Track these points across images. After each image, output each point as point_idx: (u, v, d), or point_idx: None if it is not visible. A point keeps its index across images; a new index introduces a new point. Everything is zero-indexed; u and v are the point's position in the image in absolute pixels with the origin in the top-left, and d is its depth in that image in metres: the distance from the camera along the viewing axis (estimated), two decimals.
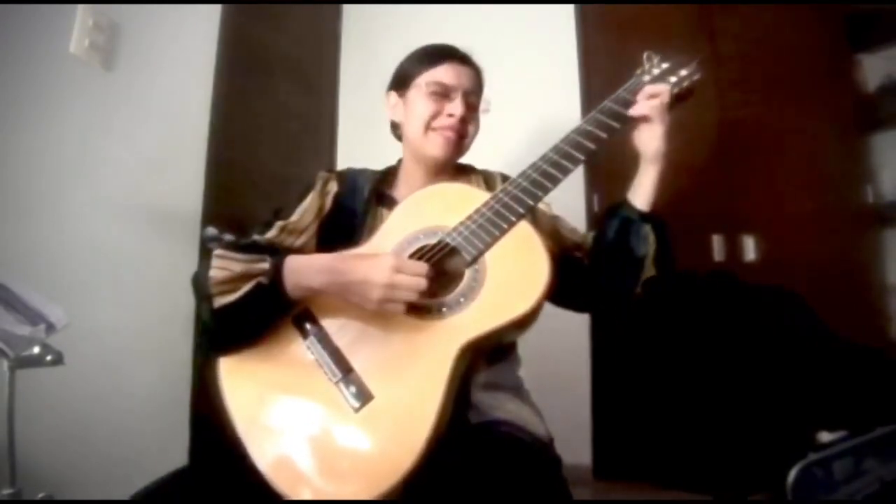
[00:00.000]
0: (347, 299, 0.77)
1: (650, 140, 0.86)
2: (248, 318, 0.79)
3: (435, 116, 0.94)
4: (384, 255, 0.77)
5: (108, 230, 1.39)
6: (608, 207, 0.93)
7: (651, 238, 0.86)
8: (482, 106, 1.00)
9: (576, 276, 0.87)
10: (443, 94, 0.95)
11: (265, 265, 0.79)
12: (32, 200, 1.23)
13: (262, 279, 0.78)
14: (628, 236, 0.87)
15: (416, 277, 0.74)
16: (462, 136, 0.96)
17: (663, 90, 0.86)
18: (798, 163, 1.69)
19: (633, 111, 0.87)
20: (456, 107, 0.94)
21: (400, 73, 1.01)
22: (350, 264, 0.77)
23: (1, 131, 1.18)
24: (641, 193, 0.88)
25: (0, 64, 1.19)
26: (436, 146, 0.95)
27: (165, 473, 0.75)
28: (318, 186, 0.97)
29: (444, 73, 0.96)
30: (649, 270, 0.87)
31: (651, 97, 0.86)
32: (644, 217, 0.86)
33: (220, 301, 0.78)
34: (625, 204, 0.89)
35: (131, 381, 1.40)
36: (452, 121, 0.94)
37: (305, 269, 0.79)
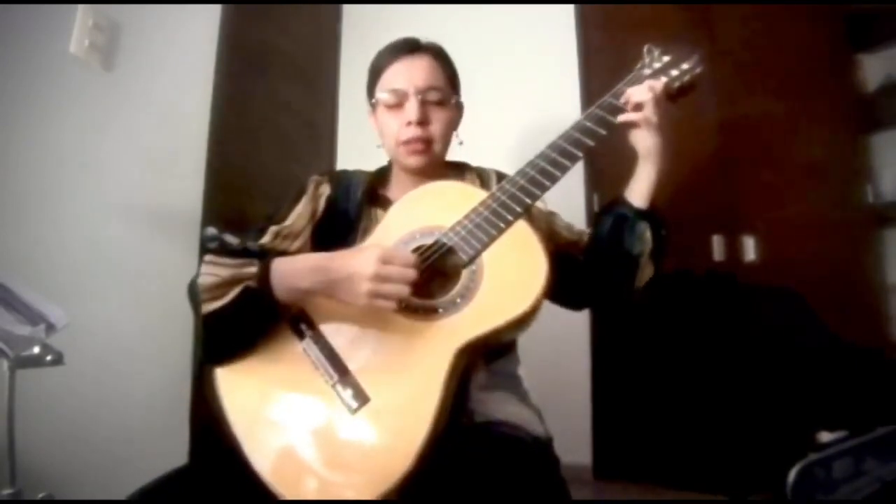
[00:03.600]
0: (337, 298, 0.75)
1: (644, 137, 0.85)
2: (237, 324, 0.78)
3: (399, 130, 0.92)
4: (371, 246, 0.76)
5: (108, 230, 1.39)
6: (604, 204, 0.93)
7: (647, 235, 0.85)
8: (454, 140, 0.98)
9: (571, 273, 0.86)
10: (397, 103, 0.92)
11: (253, 269, 0.77)
12: (32, 200, 1.23)
13: (250, 283, 0.76)
14: (623, 234, 0.86)
15: (404, 268, 0.72)
16: (427, 141, 0.92)
17: (648, 99, 0.84)
18: (798, 162, 1.69)
19: (621, 118, 0.86)
20: (410, 112, 0.91)
21: (367, 90, 1.00)
22: (337, 261, 0.75)
23: (1, 131, 1.18)
24: (638, 190, 0.87)
25: (0, 64, 1.19)
26: (407, 159, 0.94)
27: (165, 473, 0.75)
28: (311, 190, 0.96)
29: (392, 78, 0.94)
30: (647, 268, 0.87)
31: (636, 107, 0.85)
32: (640, 214, 0.86)
33: (208, 307, 0.77)
34: (621, 201, 0.88)
35: (131, 381, 1.40)
36: (411, 130, 0.91)
37: (293, 271, 0.77)
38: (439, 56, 0.97)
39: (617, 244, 0.86)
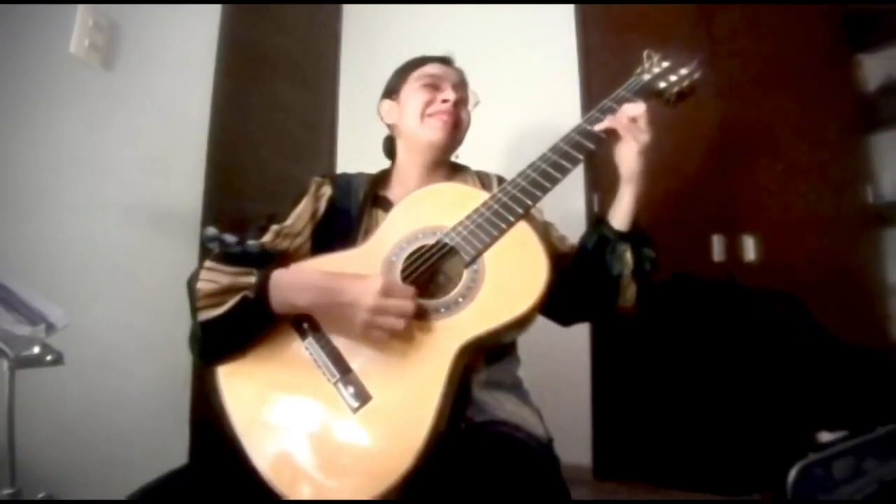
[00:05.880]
0: (331, 320, 0.77)
1: (626, 159, 0.86)
2: (232, 332, 0.79)
3: (429, 104, 0.98)
4: (374, 277, 0.76)
5: (108, 230, 1.39)
6: (591, 223, 0.94)
7: (627, 257, 0.86)
8: (471, 100, 1.04)
9: (558, 288, 0.86)
10: (434, 84, 1.00)
11: (252, 279, 0.78)
12: (32, 200, 1.23)
13: (248, 293, 0.77)
14: (604, 255, 0.86)
15: (403, 301, 0.73)
16: (456, 121, 0.99)
17: (640, 114, 0.85)
18: (798, 163, 1.69)
19: (601, 125, 0.86)
20: (449, 93, 0.98)
21: (390, 82, 1.07)
22: (340, 285, 0.76)
23: (1, 131, 1.18)
24: (619, 212, 0.87)
25: (0, 64, 1.19)
26: (433, 130, 0.97)
27: (165, 473, 0.75)
28: (312, 190, 0.97)
29: (431, 68, 1.02)
30: (630, 288, 0.87)
31: (623, 119, 0.85)
32: (621, 236, 0.86)
33: (205, 315, 0.78)
34: (602, 222, 0.89)
35: (131, 381, 1.40)
36: (447, 105, 0.98)
37: (292, 286, 0.78)
38: (464, 75, 1.06)
39: (598, 265, 0.87)
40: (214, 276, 0.80)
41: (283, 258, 0.86)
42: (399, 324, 0.72)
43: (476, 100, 1.05)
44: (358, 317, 0.73)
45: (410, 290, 0.75)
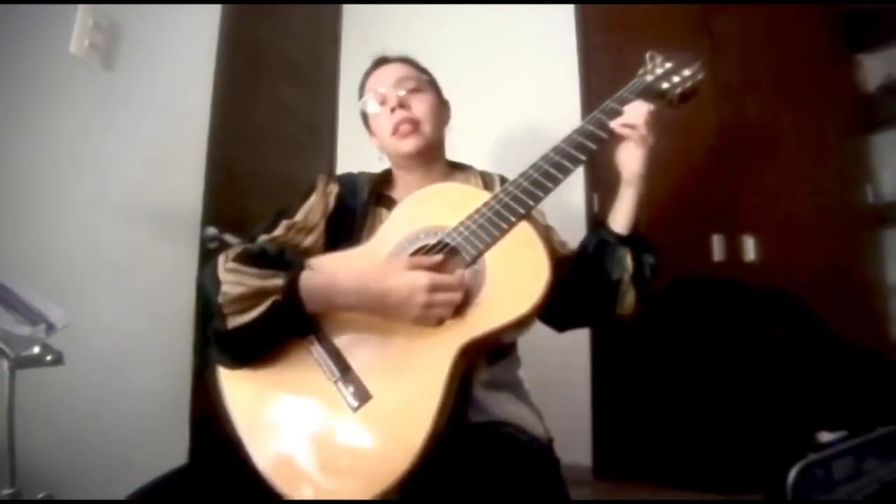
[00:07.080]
0: (377, 316, 0.76)
1: (628, 161, 0.86)
2: (265, 337, 0.77)
3: (388, 123, 0.97)
4: (417, 274, 0.75)
5: (108, 230, 1.38)
6: (591, 227, 0.93)
7: (627, 261, 0.85)
8: (423, 77, 1.02)
9: (556, 293, 0.86)
10: (381, 101, 0.99)
11: (279, 281, 0.76)
12: (32, 200, 1.23)
13: (278, 297, 0.75)
14: (604, 259, 0.86)
15: (452, 293, 0.74)
16: (413, 121, 0.96)
17: (643, 121, 0.85)
18: (798, 163, 1.69)
19: (616, 124, 0.86)
20: (391, 100, 0.97)
21: (360, 113, 1.06)
22: (382, 286, 0.75)
23: (1, 131, 1.18)
24: (619, 216, 0.87)
25: (0, 64, 1.18)
26: (401, 145, 0.97)
27: (165, 473, 0.75)
28: (320, 188, 0.98)
29: (373, 82, 1.01)
30: (629, 293, 0.86)
31: (632, 126, 0.85)
32: (621, 240, 0.86)
33: (235, 321, 0.75)
34: (602, 226, 0.89)
35: (131, 382, 1.40)
36: (396, 114, 0.96)
37: (330, 289, 0.77)
38: (406, 60, 1.04)
39: (597, 269, 0.87)
40: (239, 279, 0.77)
41: (300, 253, 0.86)
42: (448, 312, 0.74)
43: (427, 76, 1.04)
44: (410, 312, 0.73)
45: (458, 280, 0.75)
